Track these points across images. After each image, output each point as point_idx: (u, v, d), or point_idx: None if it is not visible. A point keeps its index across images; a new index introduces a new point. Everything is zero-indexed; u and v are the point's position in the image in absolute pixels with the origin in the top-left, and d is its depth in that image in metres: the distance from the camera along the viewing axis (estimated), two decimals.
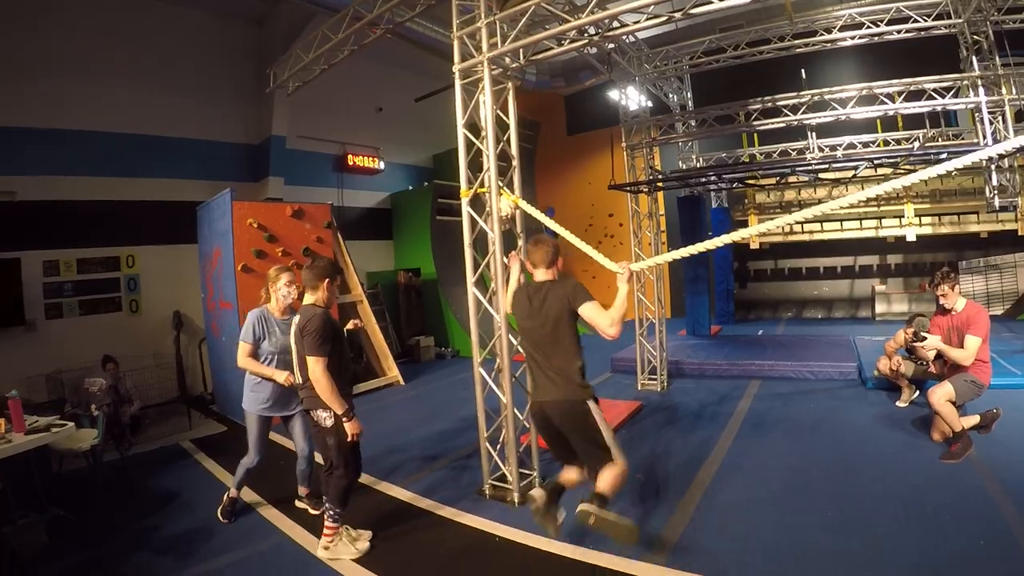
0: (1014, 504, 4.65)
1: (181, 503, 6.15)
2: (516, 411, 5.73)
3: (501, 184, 5.66)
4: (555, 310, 4.20)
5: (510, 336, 5.64)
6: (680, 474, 5.91)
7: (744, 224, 16.51)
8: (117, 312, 11.07)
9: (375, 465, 6.67)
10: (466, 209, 5.79)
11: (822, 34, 9.27)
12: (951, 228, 14.04)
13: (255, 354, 5.21)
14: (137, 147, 11.48)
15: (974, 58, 8.54)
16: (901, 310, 15.44)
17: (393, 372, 11.68)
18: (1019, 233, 12.92)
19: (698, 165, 13.59)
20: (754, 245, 16.48)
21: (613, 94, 10.51)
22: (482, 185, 5.68)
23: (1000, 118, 8.27)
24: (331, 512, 4.64)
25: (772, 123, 9.63)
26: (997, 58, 8.44)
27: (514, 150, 5.85)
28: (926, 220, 14.25)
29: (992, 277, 15.01)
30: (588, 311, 4.15)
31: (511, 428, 5.67)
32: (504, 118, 5.81)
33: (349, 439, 4.47)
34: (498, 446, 5.82)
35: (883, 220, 14.82)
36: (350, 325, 5.54)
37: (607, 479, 4.03)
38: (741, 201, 16.67)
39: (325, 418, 4.47)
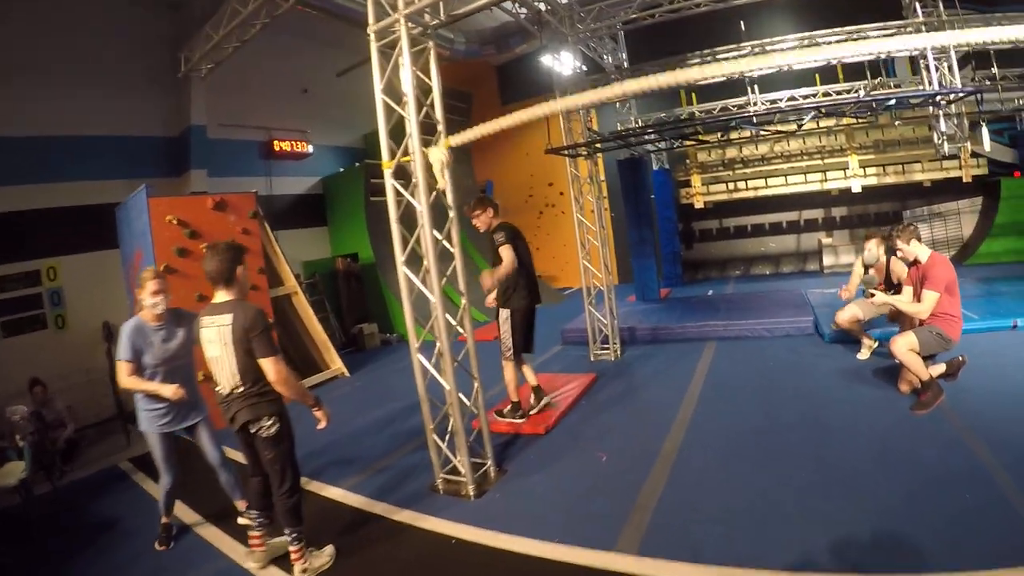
0: (992, 452, 4.45)
1: (120, 531, 5.61)
2: (462, 397, 5.39)
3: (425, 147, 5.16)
4: None
5: (447, 316, 5.33)
6: (643, 448, 5.57)
7: (687, 184, 16.34)
8: (43, 330, 10.30)
9: (321, 468, 6.33)
10: (390, 182, 5.32)
11: None
12: (896, 178, 14.10)
13: (138, 370, 4.67)
14: (47, 150, 10.62)
15: (917, 4, 8.30)
16: (848, 261, 15.44)
17: (337, 364, 11.14)
18: (964, 180, 12.93)
19: (637, 126, 13.19)
20: (698, 204, 16.31)
21: (546, 60, 10.01)
22: (406, 153, 5.21)
23: (945, 65, 8.05)
24: (292, 535, 4.24)
25: (712, 77, 9.26)
26: (940, 4, 8.22)
27: (439, 114, 5.37)
28: (871, 171, 14.28)
29: (936, 225, 15.22)
30: None
31: (458, 417, 5.28)
32: (426, 80, 5.34)
33: (322, 425, 4.34)
34: (447, 437, 5.40)
35: (828, 173, 14.80)
36: None
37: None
38: (683, 161, 16.47)
39: (269, 426, 4.06)
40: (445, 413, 5.39)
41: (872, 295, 6.13)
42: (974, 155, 12.91)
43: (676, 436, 5.72)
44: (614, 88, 4.07)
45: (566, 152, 9.06)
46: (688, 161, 16.19)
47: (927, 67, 8.02)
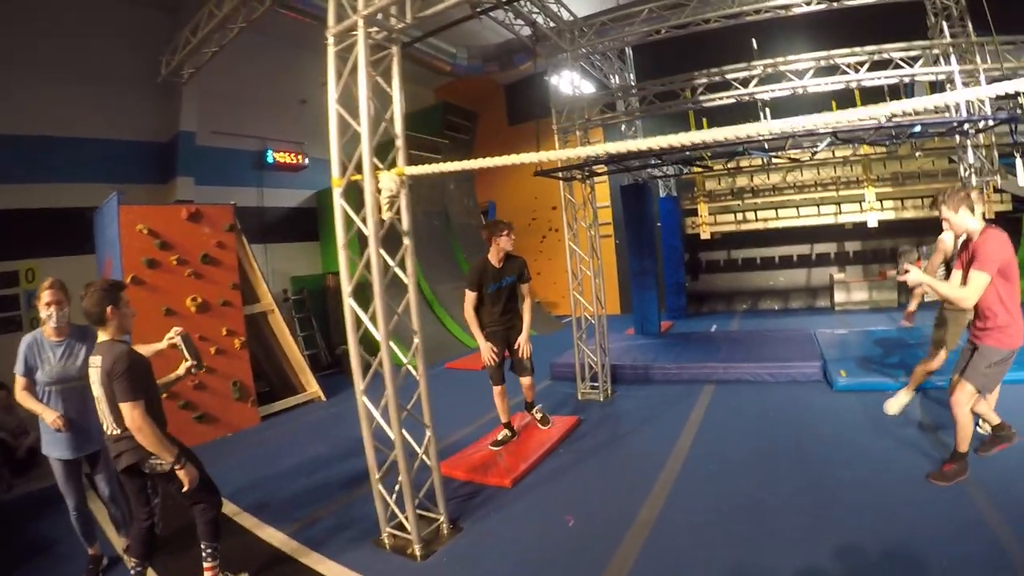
0: (1019, 539, 3.75)
1: (55, 555, 5.18)
2: (414, 443, 4.78)
3: (380, 165, 4.54)
4: None
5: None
6: (618, 513, 4.87)
7: (694, 213, 15.65)
8: (17, 331, 9.73)
9: (261, 501, 5.91)
10: (339, 202, 4.70)
11: None
12: (915, 212, 13.34)
13: (31, 387, 4.44)
14: (31, 149, 10.33)
15: (944, 24, 7.62)
16: (861, 299, 14.79)
17: (313, 387, 10.49)
18: (985, 216, 12.14)
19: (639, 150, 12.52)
20: (705, 235, 15.61)
21: (553, 79, 9.43)
22: (358, 171, 4.61)
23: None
24: (207, 550, 4.17)
25: (721, 97, 8.63)
26: (970, 25, 7.55)
27: (398, 127, 4.83)
28: (888, 204, 13.51)
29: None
30: None
31: (404, 472, 4.61)
32: (387, 89, 4.81)
33: (185, 489, 3.94)
34: (396, 488, 4.70)
35: (842, 206, 14.09)
36: (171, 337, 4.53)
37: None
38: (690, 189, 15.78)
39: (158, 464, 3.89)
40: (392, 461, 4.73)
41: (906, 271, 4.50)
42: (997, 190, 12.17)
43: (656, 501, 5.00)
44: (605, 146, 3.44)
45: (559, 175, 8.41)
46: (696, 189, 15.51)
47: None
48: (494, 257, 6.44)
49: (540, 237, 18.68)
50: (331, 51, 4.64)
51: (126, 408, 3.72)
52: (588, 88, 11.46)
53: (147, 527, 4.13)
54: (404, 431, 4.71)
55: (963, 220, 4.52)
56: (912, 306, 6.51)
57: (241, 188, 13.76)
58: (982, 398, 4.72)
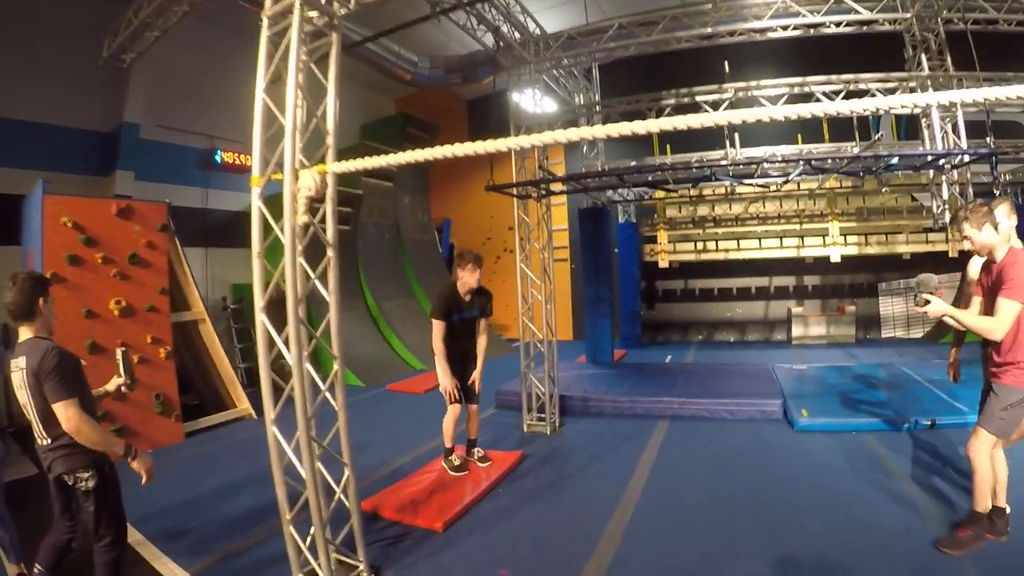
0: None
1: None
2: (332, 481, 4.21)
3: (306, 163, 3.98)
4: None
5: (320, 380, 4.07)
6: (558, 568, 4.35)
7: (653, 240, 15.29)
8: None
9: (169, 531, 5.33)
10: (256, 203, 4.05)
11: (750, 21, 7.83)
12: (878, 248, 13.16)
13: None
14: None
15: (923, 56, 7.33)
16: (819, 333, 14.53)
17: (243, 404, 9.77)
18: (950, 255, 11.98)
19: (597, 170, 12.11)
20: (664, 263, 15.23)
21: (516, 96, 8.94)
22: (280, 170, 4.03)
23: (950, 124, 7.07)
24: None
25: (688, 120, 8.19)
26: (949, 58, 7.27)
27: (330, 123, 4.27)
28: (851, 239, 13.28)
29: (912, 300, 14.17)
30: None
31: (317, 516, 3.99)
32: (322, 80, 4.28)
33: (144, 481, 3.80)
34: (309, 534, 4.08)
35: (805, 239, 13.83)
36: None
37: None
38: (651, 216, 15.43)
39: (87, 478, 3.59)
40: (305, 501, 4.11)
41: (926, 302, 3.91)
42: None
43: (603, 555, 4.45)
44: (567, 132, 2.92)
45: (513, 192, 7.92)
46: (656, 216, 15.15)
47: (929, 126, 7.02)
48: (462, 289, 6.17)
49: (495, 257, 18.16)
50: (264, 34, 4.10)
51: (60, 408, 3.39)
52: (551, 106, 11.03)
53: (66, 540, 3.84)
54: (321, 465, 4.14)
55: (988, 239, 3.99)
56: (953, 355, 5.33)
57: (185, 187, 13.04)
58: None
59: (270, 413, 4.04)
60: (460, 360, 6.24)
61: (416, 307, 15.21)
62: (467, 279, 6.13)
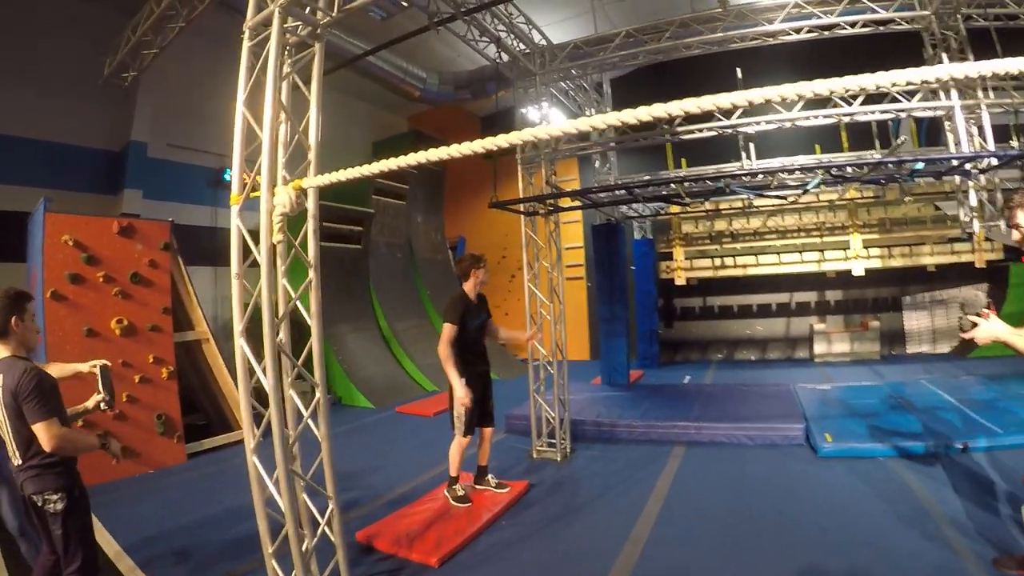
0: None
1: None
2: (328, 516, 4.03)
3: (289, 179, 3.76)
4: None
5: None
6: None
7: (669, 257, 14.91)
8: None
9: (166, 559, 5.14)
10: (235, 222, 3.84)
11: (762, 25, 7.50)
12: (902, 260, 12.68)
13: None
14: None
15: (944, 55, 6.97)
16: (842, 350, 14.06)
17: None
18: (976, 265, 11.51)
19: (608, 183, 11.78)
20: (680, 280, 14.84)
21: (528, 112, 8.64)
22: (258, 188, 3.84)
23: (975, 127, 6.70)
24: None
25: (700, 129, 7.84)
26: (971, 56, 6.91)
27: (312, 138, 4.08)
28: (874, 252, 12.84)
29: (938, 313, 13.93)
30: None
31: (297, 551, 3.72)
32: (304, 92, 4.12)
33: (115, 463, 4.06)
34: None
35: (826, 252, 13.39)
36: (94, 364, 4.11)
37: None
38: (666, 232, 15.07)
39: (56, 500, 3.49)
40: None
41: (973, 325, 3.18)
42: (988, 238, 11.55)
43: None
44: (566, 124, 2.61)
45: (520, 209, 7.65)
46: (671, 232, 14.79)
47: (953, 129, 6.65)
48: (471, 291, 6.06)
49: (510, 276, 17.88)
50: (245, 46, 3.95)
51: (42, 428, 3.35)
52: (560, 118, 10.74)
53: (52, 561, 3.72)
54: (306, 497, 3.93)
55: None
56: None
57: (194, 206, 12.92)
58: None
59: (250, 442, 3.80)
60: (480, 373, 6.05)
61: (429, 327, 14.94)
62: (483, 277, 6.08)
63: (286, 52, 4.06)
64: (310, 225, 3.99)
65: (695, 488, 6.18)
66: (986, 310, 3.17)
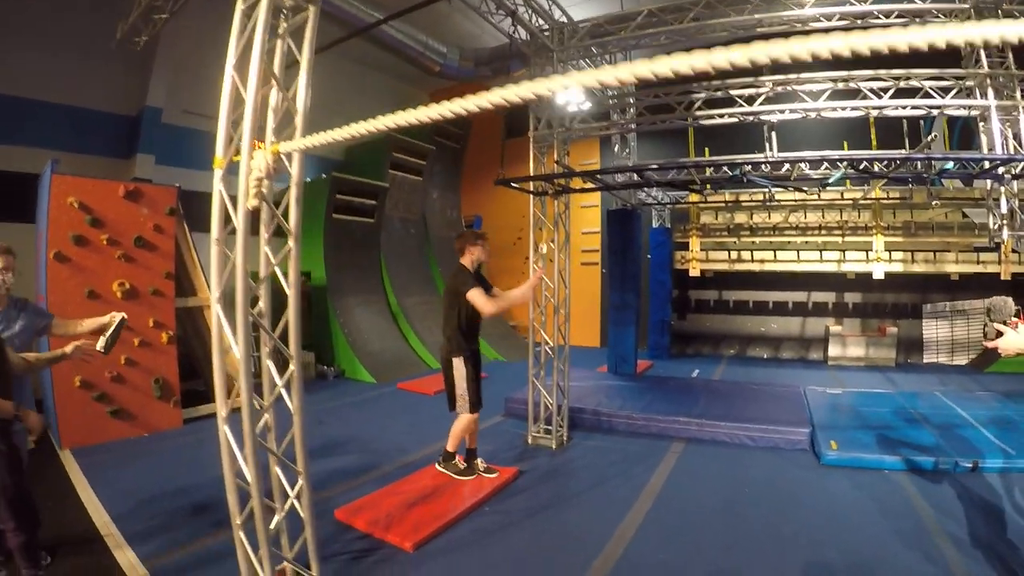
0: None
1: None
2: (296, 491, 3.89)
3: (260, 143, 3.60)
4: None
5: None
6: None
7: (685, 247, 14.62)
8: None
9: (145, 521, 5.11)
10: (217, 187, 3.70)
11: (792, 10, 7.15)
12: (924, 267, 12.34)
13: None
14: None
15: (982, 52, 6.64)
16: (857, 354, 13.72)
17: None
18: (1002, 277, 11.16)
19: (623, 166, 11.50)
20: (695, 272, 14.57)
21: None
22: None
23: (1010, 130, 6.39)
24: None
25: (721, 114, 7.56)
26: (1011, 56, 6.58)
27: (300, 103, 3.87)
28: (896, 256, 12.50)
29: (959, 324, 13.53)
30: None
31: (262, 526, 3.57)
32: (296, 54, 3.93)
33: (32, 437, 3.91)
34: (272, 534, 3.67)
35: (847, 253, 13.06)
36: (110, 317, 4.28)
37: (451, 431, 5.90)
38: (685, 221, 14.78)
39: None
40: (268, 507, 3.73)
41: (998, 334, 3.06)
42: (1014, 250, 11.18)
43: None
44: (570, 78, 2.33)
45: (529, 188, 7.45)
46: (689, 221, 14.50)
47: (988, 131, 6.33)
48: (470, 267, 5.94)
49: (524, 257, 17.64)
50: (238, 7, 3.70)
51: None
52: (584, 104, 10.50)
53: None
54: (279, 471, 3.88)
55: None
56: None
57: (206, 172, 12.59)
58: None
59: (222, 410, 3.69)
60: (475, 357, 5.94)
61: (438, 305, 14.63)
62: (480, 255, 5.93)
63: (282, 15, 3.88)
64: (292, 192, 3.81)
65: (689, 488, 5.97)
66: (1015, 319, 3.01)
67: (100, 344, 4.04)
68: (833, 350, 14.08)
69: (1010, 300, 3.18)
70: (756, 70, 7.43)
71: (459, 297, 5.70)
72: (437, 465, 6.05)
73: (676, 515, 5.29)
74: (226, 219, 3.62)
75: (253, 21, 3.59)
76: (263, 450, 3.68)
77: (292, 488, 3.90)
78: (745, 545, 4.67)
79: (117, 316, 4.20)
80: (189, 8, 9.40)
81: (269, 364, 3.83)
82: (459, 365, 5.76)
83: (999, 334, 3.01)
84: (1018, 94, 6.46)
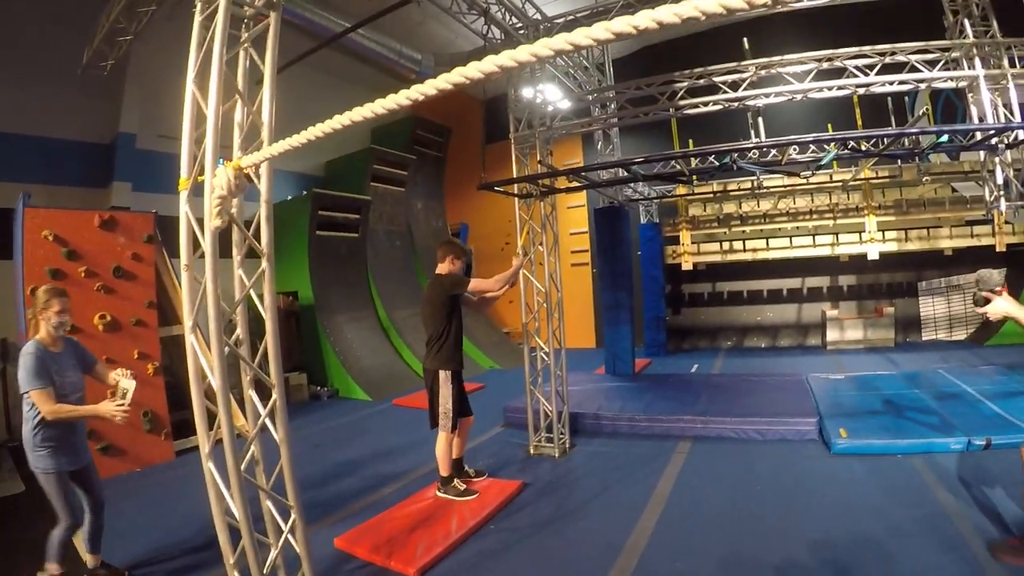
0: None
1: None
2: (290, 525, 3.70)
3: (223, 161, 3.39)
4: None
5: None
6: None
7: (675, 241, 14.47)
8: None
9: (141, 562, 4.97)
10: (183, 209, 3.45)
11: None
12: (919, 244, 12.24)
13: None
14: None
15: (966, 22, 6.51)
16: (855, 337, 13.59)
17: (239, 420, 9.18)
18: (997, 249, 11.04)
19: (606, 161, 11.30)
20: (687, 265, 14.41)
21: (527, 92, 8.14)
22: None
23: (1000, 99, 6.25)
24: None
25: (705, 102, 7.39)
26: (995, 23, 6.45)
27: (265, 114, 3.72)
28: (890, 235, 12.39)
29: (955, 299, 13.53)
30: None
31: (255, 565, 3.42)
32: (259, 65, 3.80)
33: None
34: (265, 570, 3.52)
35: (840, 236, 12.94)
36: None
37: (437, 454, 5.69)
38: (673, 215, 14.63)
39: None
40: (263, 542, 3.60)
41: (986, 301, 3.47)
42: (1007, 221, 11.07)
43: None
44: (565, 37, 2.10)
45: (513, 192, 7.27)
46: (678, 215, 14.36)
47: (977, 101, 6.18)
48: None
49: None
50: (196, 19, 3.54)
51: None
52: (555, 94, 10.30)
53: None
54: (271, 504, 3.73)
55: None
56: None
57: None
58: None
59: (205, 446, 3.50)
60: (459, 369, 5.84)
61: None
62: (458, 267, 5.89)
63: (243, 24, 3.70)
64: (262, 210, 3.59)
65: (699, 489, 5.76)
66: (1000, 287, 3.45)
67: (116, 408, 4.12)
68: (831, 334, 13.96)
69: (995, 272, 3.52)
70: (739, 53, 7.36)
71: (454, 300, 5.70)
72: (438, 492, 5.84)
73: (688, 519, 5.09)
74: (196, 243, 3.38)
75: (212, 31, 3.41)
76: (251, 485, 3.46)
77: (285, 522, 3.69)
78: (761, 546, 4.48)
79: (127, 384, 4.21)
80: (156, 31, 9.24)
81: (252, 394, 3.63)
82: (446, 380, 5.63)
83: (987, 301, 3.45)
84: (1005, 62, 6.35)
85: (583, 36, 1.56)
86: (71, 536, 4.40)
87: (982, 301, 3.48)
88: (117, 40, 8.85)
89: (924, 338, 13.69)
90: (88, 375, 4.54)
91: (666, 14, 1.42)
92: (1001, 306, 3.38)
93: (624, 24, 1.49)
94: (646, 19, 1.45)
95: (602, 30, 1.52)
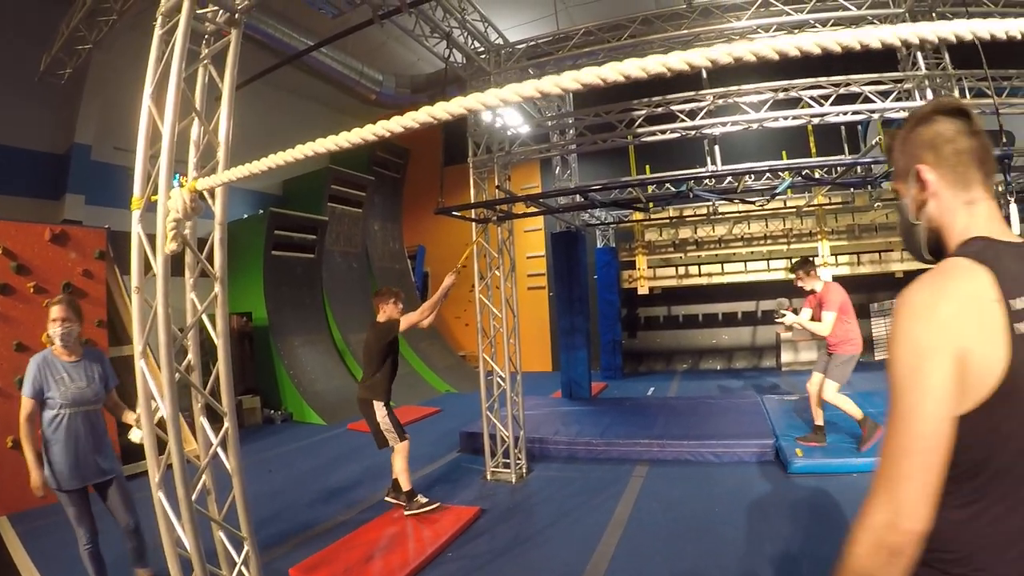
0: None
1: None
2: (243, 557, 3.57)
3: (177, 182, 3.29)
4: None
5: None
6: None
7: (632, 266, 14.59)
8: None
9: None
10: (135, 229, 3.38)
11: (729, 22, 7.10)
12: (871, 268, 12.52)
13: (37, 414, 4.11)
14: None
15: (919, 55, 6.70)
16: (809, 358, 13.72)
17: (190, 445, 8.92)
18: None
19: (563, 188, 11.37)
20: (643, 290, 14.52)
21: (487, 116, 8.13)
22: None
23: None
24: None
25: (663, 130, 7.47)
26: (947, 56, 6.65)
27: (222, 133, 3.68)
28: (843, 259, 12.66)
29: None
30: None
31: None
32: (218, 82, 3.75)
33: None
34: None
35: (793, 260, 13.17)
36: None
37: (395, 470, 5.99)
38: (630, 240, 14.75)
39: None
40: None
41: (783, 315, 6.86)
42: None
43: None
44: (515, 88, 2.04)
45: (470, 216, 7.28)
46: (634, 240, 14.49)
47: None
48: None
49: (470, 286, 17.45)
50: (156, 33, 3.49)
51: None
52: (515, 119, 10.34)
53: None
54: (223, 535, 3.62)
55: (813, 280, 7.09)
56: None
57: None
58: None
59: (154, 475, 3.37)
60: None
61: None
62: (393, 312, 6.06)
63: (203, 40, 3.64)
64: (216, 233, 3.53)
65: (657, 513, 5.76)
66: (785, 310, 6.98)
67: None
68: (785, 356, 14.14)
69: (784, 299, 7.38)
70: (697, 83, 7.46)
71: (392, 344, 6.03)
72: (405, 511, 5.85)
73: (647, 543, 5.07)
74: (148, 264, 3.29)
75: (171, 46, 3.35)
76: (202, 516, 3.36)
77: (239, 553, 3.59)
78: (720, 568, 4.48)
79: (135, 435, 4.08)
80: (116, 41, 9.08)
81: (203, 421, 3.53)
82: (380, 407, 5.98)
83: (783, 315, 6.86)
84: (956, 93, 6.53)
85: (551, 84, 1.57)
86: (95, 550, 4.36)
87: (781, 316, 6.88)
88: (76, 49, 8.66)
89: (877, 358, 13.92)
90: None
91: (633, 68, 1.45)
92: (791, 319, 6.87)
93: (592, 75, 1.51)
94: (614, 72, 1.47)
95: (570, 80, 1.54)
